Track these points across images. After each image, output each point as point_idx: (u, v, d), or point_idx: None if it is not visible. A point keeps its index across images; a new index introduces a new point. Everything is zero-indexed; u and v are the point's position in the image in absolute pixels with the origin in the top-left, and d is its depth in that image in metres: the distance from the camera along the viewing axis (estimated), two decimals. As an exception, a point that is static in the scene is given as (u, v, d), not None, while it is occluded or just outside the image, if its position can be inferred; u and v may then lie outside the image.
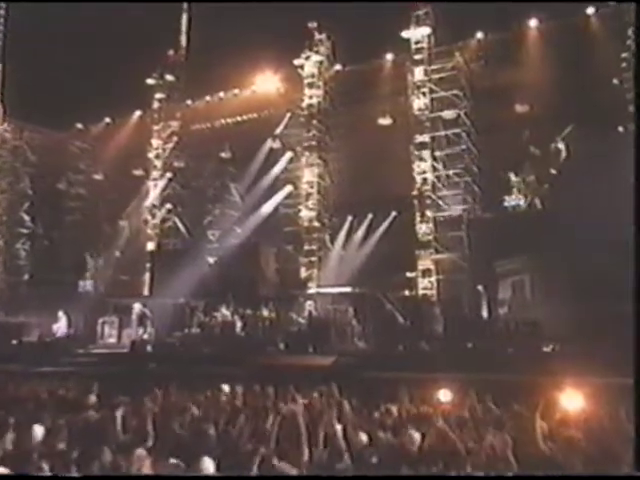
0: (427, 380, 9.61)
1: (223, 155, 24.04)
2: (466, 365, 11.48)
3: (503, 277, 17.41)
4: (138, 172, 25.24)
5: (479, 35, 20.71)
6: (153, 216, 25.05)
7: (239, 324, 19.00)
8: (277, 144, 23.31)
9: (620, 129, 18.71)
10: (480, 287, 16.72)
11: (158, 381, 10.06)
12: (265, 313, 19.42)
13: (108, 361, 14.45)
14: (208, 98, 24.76)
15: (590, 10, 19.61)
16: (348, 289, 18.88)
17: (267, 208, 23.31)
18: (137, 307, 18.49)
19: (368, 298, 18.65)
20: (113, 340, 19.90)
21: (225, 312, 19.39)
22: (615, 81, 18.93)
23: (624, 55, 18.67)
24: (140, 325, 18.20)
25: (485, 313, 16.61)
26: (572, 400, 8.31)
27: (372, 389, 9.06)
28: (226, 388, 9.56)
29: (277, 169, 23.43)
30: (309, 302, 18.48)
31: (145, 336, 17.75)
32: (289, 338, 15.00)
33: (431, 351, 14.20)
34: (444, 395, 9.11)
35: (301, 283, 20.88)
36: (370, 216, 21.91)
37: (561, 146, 19.96)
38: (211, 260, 23.52)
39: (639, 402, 5.48)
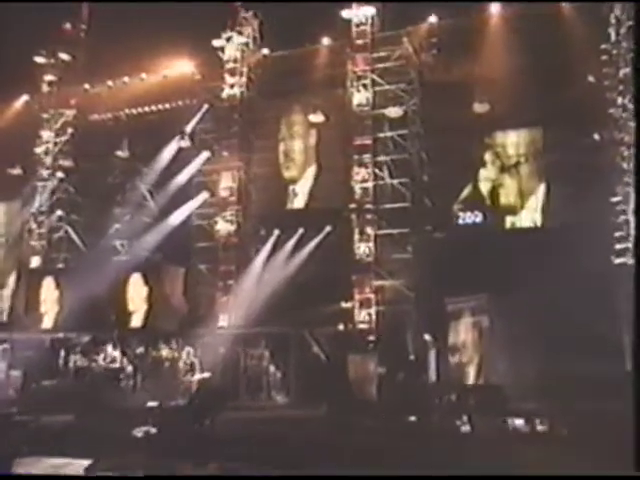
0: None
1: (120, 154, 20.04)
2: (407, 459, 8.14)
3: (456, 318, 14.31)
4: (15, 171, 20.92)
5: (432, 19, 17.83)
6: (39, 225, 20.84)
7: (129, 369, 15.15)
8: (187, 142, 19.42)
9: (596, 136, 15.98)
10: (427, 336, 13.33)
11: None
12: (164, 353, 15.68)
13: None
14: (110, 83, 20.87)
15: (563, -6, 16.61)
16: (265, 328, 15.23)
17: (176, 218, 19.40)
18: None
19: (291, 338, 15.13)
20: (-30, 384, 15.73)
21: (112, 352, 15.54)
22: (591, 78, 16.04)
23: (603, 47, 15.69)
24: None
25: (433, 369, 13.23)
26: None
27: None
28: None
29: (189, 172, 19.59)
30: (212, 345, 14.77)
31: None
32: (169, 413, 11.16)
33: (361, 430, 10.67)
34: None
35: (212, 314, 17.10)
36: (300, 231, 18.31)
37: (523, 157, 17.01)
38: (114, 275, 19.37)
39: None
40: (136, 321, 17.33)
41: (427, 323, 14.50)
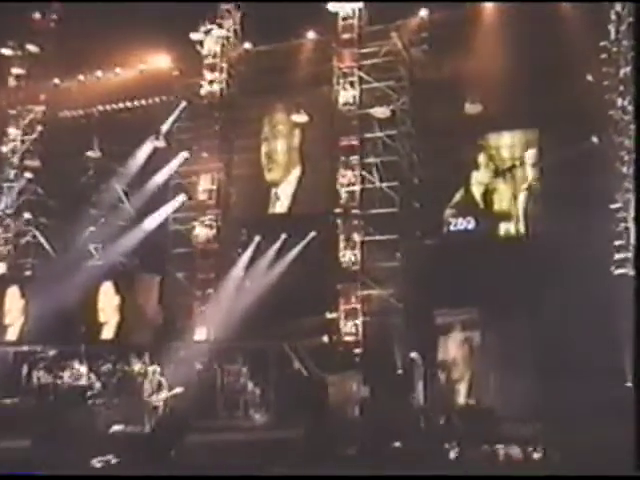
0: None
1: (90, 154, 18.98)
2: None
3: (445, 332, 13.48)
4: (-26, 173, 19.93)
5: (423, 13, 16.88)
6: (5, 228, 19.75)
7: (97, 387, 14.11)
8: (162, 142, 18.39)
9: (594, 139, 15.20)
10: (415, 354, 12.48)
11: None
12: (135, 368, 14.62)
13: None
14: (82, 78, 19.75)
15: (561, -11, 15.77)
16: (244, 342, 14.31)
17: (151, 223, 18.32)
18: None
19: (270, 353, 14.20)
20: None
21: (78, 368, 14.49)
22: (590, 78, 15.24)
23: (603, 44, 14.88)
24: None
25: (420, 389, 12.36)
26: None
27: None
28: None
29: (166, 173, 18.52)
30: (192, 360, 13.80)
31: None
32: (132, 440, 10.17)
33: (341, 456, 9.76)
34: None
35: (189, 326, 16.11)
36: (283, 237, 17.41)
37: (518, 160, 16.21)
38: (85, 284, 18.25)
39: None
40: (106, 333, 16.21)
41: (415, 337, 13.62)
